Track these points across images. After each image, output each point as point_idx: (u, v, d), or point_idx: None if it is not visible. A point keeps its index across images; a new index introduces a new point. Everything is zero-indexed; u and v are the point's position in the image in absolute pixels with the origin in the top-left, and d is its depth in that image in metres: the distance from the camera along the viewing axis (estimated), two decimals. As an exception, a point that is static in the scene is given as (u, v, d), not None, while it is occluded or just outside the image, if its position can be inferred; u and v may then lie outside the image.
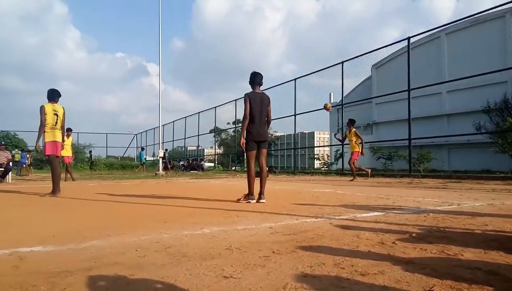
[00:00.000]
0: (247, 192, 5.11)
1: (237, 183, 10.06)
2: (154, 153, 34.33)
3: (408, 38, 12.21)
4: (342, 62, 14.73)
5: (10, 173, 12.46)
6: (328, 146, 22.45)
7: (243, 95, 5.34)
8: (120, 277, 1.79)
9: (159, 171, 17.88)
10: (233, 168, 24.24)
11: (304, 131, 24.22)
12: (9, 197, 6.55)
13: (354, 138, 10.95)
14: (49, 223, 3.73)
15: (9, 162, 12.46)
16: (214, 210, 4.33)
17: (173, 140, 31.81)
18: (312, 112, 16.69)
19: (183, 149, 33.87)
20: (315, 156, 22.86)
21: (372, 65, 21.51)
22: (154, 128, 31.73)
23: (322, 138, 25.74)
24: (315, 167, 22.81)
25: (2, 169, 12.05)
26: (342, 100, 15.41)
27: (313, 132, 24.44)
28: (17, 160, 18.23)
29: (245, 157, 19.20)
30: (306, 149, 24.71)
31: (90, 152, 29.36)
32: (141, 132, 39.19)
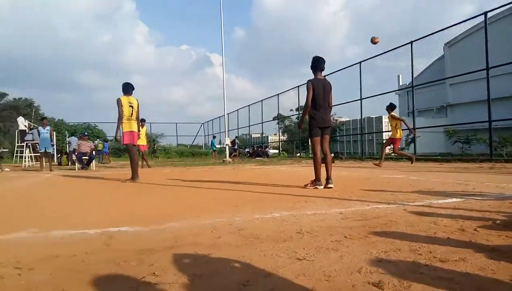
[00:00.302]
0: (313, 178, 5.10)
1: (303, 169, 10.05)
2: (220, 140, 35.37)
3: (485, 13, 11.13)
4: (411, 42, 13.86)
5: (93, 160, 13.65)
6: (397, 130, 21.49)
7: (305, 82, 5.31)
8: (200, 256, 1.91)
9: (226, 157, 18.42)
10: (298, 154, 24.16)
11: (371, 116, 23.29)
12: (95, 183, 7.20)
13: (393, 123, 10.29)
14: (132, 205, 4.05)
15: (92, 151, 13.64)
16: (282, 195, 4.39)
17: (238, 128, 32.49)
18: (379, 95, 15.99)
19: (248, 136, 34.45)
20: (384, 141, 21.95)
21: (445, 44, 19.99)
22: (220, 117, 32.70)
23: (391, 123, 24.69)
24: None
25: (87, 157, 13.24)
26: (412, 82, 14.54)
27: (381, 117, 23.40)
28: (99, 149, 19.89)
29: (309, 143, 19.05)
30: (374, 133, 23.80)
31: (154, 140, 31.01)
32: (208, 121, 40.58)
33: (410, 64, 14.08)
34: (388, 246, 2.00)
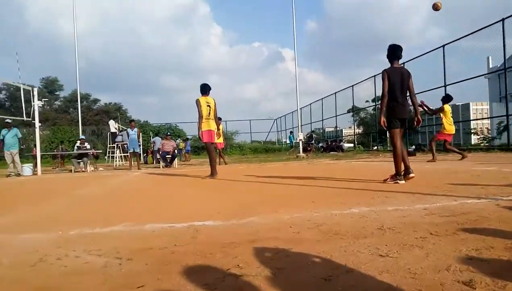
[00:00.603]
0: (393, 172, 4.89)
1: (381, 163, 9.66)
2: (293, 135, 35.34)
3: None
4: (503, 20, 12.51)
5: (175, 159, 14.53)
6: (488, 118, 19.53)
7: (381, 70, 5.09)
8: (280, 250, 1.96)
9: (300, 153, 18.39)
10: (375, 148, 23.25)
11: (457, 103, 21.51)
12: (179, 180, 7.66)
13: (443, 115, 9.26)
14: (213, 201, 4.26)
15: (174, 150, 14.52)
16: (361, 190, 4.28)
17: (311, 123, 32.17)
18: (466, 81, 14.71)
19: (321, 131, 33.94)
20: (472, 131, 20.14)
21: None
22: (292, 112, 32.59)
23: (480, 110, 22.44)
24: (472, 142, 20.13)
25: (170, 156, 14.14)
26: (504, 63, 13.13)
27: (468, 104, 21.51)
28: (180, 147, 21.09)
29: (388, 136, 18.15)
30: (461, 122, 21.91)
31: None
32: (280, 117, 40.75)
33: (502, 44, 12.73)
34: (480, 243, 1.86)
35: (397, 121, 4.89)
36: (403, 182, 4.73)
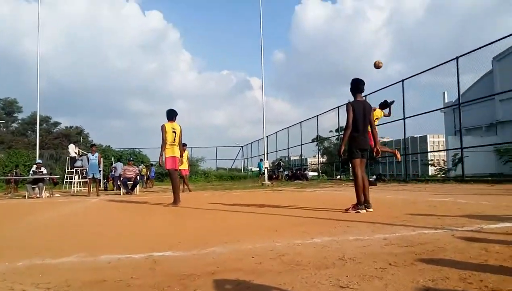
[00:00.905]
0: (355, 201, 4.98)
1: (344, 192, 9.84)
2: (259, 163, 35.46)
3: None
4: (457, 58, 13.42)
5: (137, 185, 14.12)
6: (444, 150, 20.52)
7: (344, 102, 5.32)
8: (241, 282, 1.92)
9: (265, 181, 18.44)
10: (338, 177, 23.74)
11: (415, 136, 22.50)
12: (139, 208, 7.42)
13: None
14: (174, 230, 4.14)
15: (137, 176, 14.13)
16: (323, 219, 4.31)
17: (276, 151, 32.49)
18: (423, 114, 15.50)
19: (286, 159, 34.34)
20: (429, 162, 21.06)
21: (493, 58, 19.14)
22: (259, 139, 32.87)
23: (437, 143, 23.60)
24: (430, 173, 21.01)
25: (131, 182, 13.72)
26: (459, 99, 13.97)
27: (426, 136, 22.56)
28: (143, 173, 20.55)
29: (349, 166, 18.68)
30: (419, 154, 22.88)
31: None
32: (247, 144, 40.92)
33: (456, 80, 13.59)
34: (436, 274, 1.91)
35: (358, 151, 5.05)
36: (364, 211, 4.82)
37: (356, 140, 5.03)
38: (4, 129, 41.57)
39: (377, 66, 6.22)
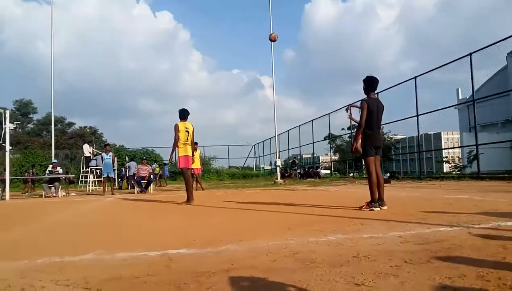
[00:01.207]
0: (369, 199, 4.95)
1: (357, 190, 9.78)
2: (271, 161, 35.40)
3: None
4: (470, 54, 13.19)
5: (151, 184, 14.26)
6: (459, 147, 20.21)
7: (355, 100, 5.26)
8: (256, 279, 1.93)
9: (277, 179, 18.43)
10: (351, 175, 23.57)
11: (429, 133, 22.18)
12: (153, 206, 7.50)
13: None
14: (189, 228, 4.18)
15: (150, 175, 14.27)
16: (337, 217, 4.30)
17: (288, 149, 32.41)
18: (437, 111, 15.27)
19: (299, 157, 34.23)
20: (444, 159, 20.73)
21: (508, 54, 18.74)
22: (270, 138, 32.84)
23: (451, 139, 23.24)
24: (444, 171, 20.70)
25: (145, 181, 13.86)
26: (473, 95, 13.74)
27: (440, 133, 22.23)
28: (156, 172, 20.74)
29: (363, 163, 18.51)
30: (433, 151, 22.55)
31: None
32: (258, 143, 40.90)
33: (470, 76, 13.36)
34: (453, 271, 1.89)
35: (373, 149, 5.01)
36: (378, 209, 4.79)
37: (370, 137, 5.00)
38: (20, 130, 42.41)
39: (272, 39, 6.25)
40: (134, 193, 13.17)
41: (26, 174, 22.04)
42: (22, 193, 17.19)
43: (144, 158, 17.38)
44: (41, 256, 2.66)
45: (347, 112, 5.85)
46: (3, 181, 12.78)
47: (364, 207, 4.91)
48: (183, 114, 7.43)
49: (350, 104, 6.09)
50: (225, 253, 2.60)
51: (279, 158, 19.70)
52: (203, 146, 32.83)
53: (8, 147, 11.78)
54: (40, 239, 3.73)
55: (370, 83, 5.13)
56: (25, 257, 2.66)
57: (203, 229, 4.00)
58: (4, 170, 13.09)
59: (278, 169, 19.19)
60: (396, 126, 19.98)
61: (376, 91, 5.37)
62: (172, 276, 2.09)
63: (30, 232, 4.30)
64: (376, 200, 4.89)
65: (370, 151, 5.01)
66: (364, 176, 18.79)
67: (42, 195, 12.86)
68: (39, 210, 7.80)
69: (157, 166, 22.70)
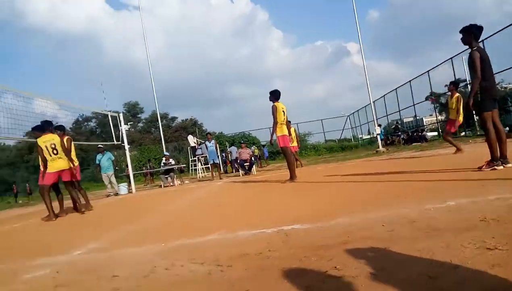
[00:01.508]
0: (489, 158, 4.49)
1: (473, 149, 8.92)
2: (369, 130, 34.02)
3: None
4: None
5: (254, 165, 14.86)
6: None
7: (456, 52, 4.78)
8: (376, 250, 1.93)
9: (379, 147, 17.67)
10: (462, 134, 21.48)
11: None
12: (260, 186, 7.84)
13: (454, 106, 8.44)
14: (297, 204, 4.30)
15: (251, 157, 14.86)
16: (454, 181, 4.01)
17: (387, 115, 30.65)
18: None
19: (400, 122, 32.25)
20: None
21: None
22: (365, 106, 31.38)
23: None
24: None
25: (248, 164, 14.49)
26: None
27: None
28: (256, 154, 21.52)
29: (475, 120, 16.71)
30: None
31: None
32: (353, 113, 39.46)
33: None
34: None
35: (491, 101, 4.53)
36: (501, 167, 4.33)
37: (487, 89, 4.51)
38: (132, 130, 47.49)
39: None
40: (239, 175, 13.88)
41: (144, 168, 24.71)
42: (144, 185, 19.37)
43: (242, 141, 18.12)
44: (174, 240, 3.00)
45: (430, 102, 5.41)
46: (128, 176, 14.55)
47: (484, 167, 4.48)
48: (278, 95, 7.54)
49: (430, 96, 5.78)
50: (339, 226, 2.64)
51: (378, 126, 18.82)
52: (296, 123, 32.84)
53: (126, 146, 13.31)
54: (169, 225, 4.20)
55: (476, 32, 4.60)
56: (161, 241, 3.03)
57: (311, 204, 4.08)
58: (127, 166, 14.85)
59: (378, 137, 18.39)
60: (509, 75, 17.47)
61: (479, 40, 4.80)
62: (291, 250, 2.20)
63: (160, 219, 4.87)
64: (498, 158, 4.42)
65: (489, 104, 4.52)
66: (478, 133, 17.03)
67: (161, 185, 14.32)
68: (162, 198, 8.73)
69: (256, 147, 23.50)
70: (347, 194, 4.57)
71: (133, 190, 13.15)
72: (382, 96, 30.75)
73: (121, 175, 17.92)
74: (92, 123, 51.81)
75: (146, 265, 2.33)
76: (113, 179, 12.72)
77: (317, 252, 2.08)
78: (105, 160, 12.58)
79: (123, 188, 13.21)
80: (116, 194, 12.67)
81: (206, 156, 15.06)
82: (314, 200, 4.45)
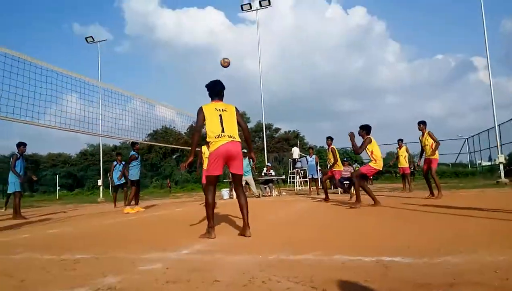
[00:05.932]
0: None
1: None
2: (490, 157, 30.33)
3: None
4: None
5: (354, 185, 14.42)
6: None
7: None
8: (486, 299, 1.79)
9: (501, 178, 15.68)
10: None
11: None
12: (357, 209, 7.58)
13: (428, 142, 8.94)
14: (399, 232, 4.09)
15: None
16: None
17: (514, 141, 27.05)
18: None
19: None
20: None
21: None
22: (488, 129, 28.13)
23: None
24: None
25: (347, 182, 14.13)
26: None
27: None
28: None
29: None
30: None
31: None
32: (473, 136, 35.57)
33: None
34: None
35: None
36: None
37: None
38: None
39: (223, 64, 5.21)
40: (338, 193, 13.63)
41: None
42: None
43: (345, 159, 17.73)
44: (271, 253, 3.13)
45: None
46: (230, 183, 15.32)
47: None
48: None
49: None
50: (445, 264, 2.47)
51: (501, 154, 16.74)
52: (407, 143, 30.88)
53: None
54: (266, 236, 4.37)
55: None
56: (259, 252, 3.19)
57: (415, 235, 3.86)
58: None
59: (501, 165, 16.34)
60: None
61: None
62: (390, 284, 2.14)
63: (257, 230, 5.07)
64: None
65: None
66: None
67: (259, 195, 14.82)
68: (260, 208, 9.03)
69: (358, 165, 22.75)
70: (456, 228, 4.21)
71: (235, 196, 13.81)
72: (510, 119, 27.21)
73: (225, 181, 18.99)
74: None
75: (245, 275, 2.49)
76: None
77: (418, 289, 2.00)
78: (245, 165, 13.36)
79: (225, 193, 13.99)
80: (258, 196, 13.37)
81: (305, 170, 15.13)
82: (419, 231, 4.20)
